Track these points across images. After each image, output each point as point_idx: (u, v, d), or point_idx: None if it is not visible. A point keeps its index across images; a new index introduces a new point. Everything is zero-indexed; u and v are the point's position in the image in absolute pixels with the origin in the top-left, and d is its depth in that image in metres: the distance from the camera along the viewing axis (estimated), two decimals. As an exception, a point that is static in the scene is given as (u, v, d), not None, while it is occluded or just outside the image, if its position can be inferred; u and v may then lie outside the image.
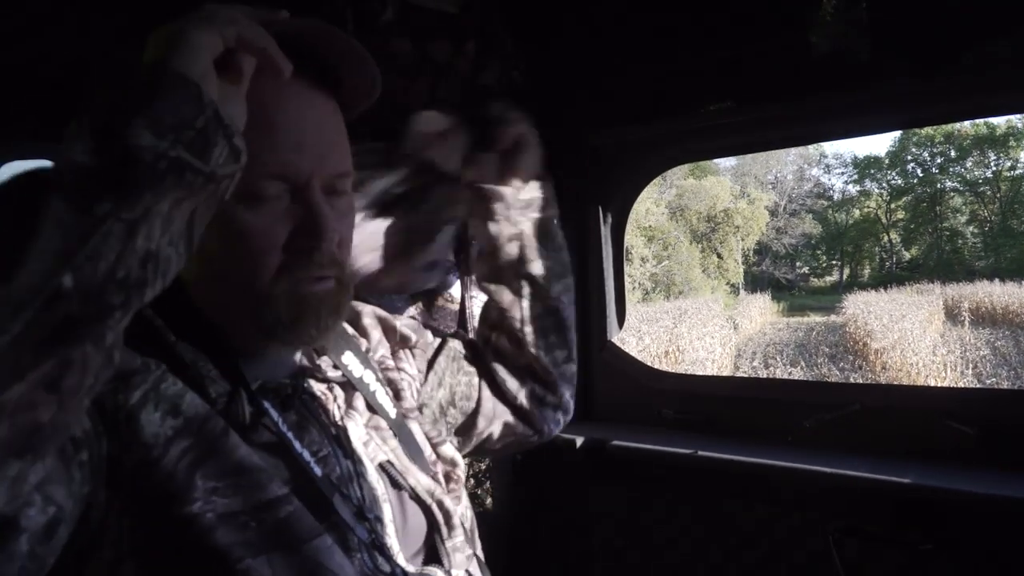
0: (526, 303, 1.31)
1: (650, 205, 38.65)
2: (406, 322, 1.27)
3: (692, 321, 20.53)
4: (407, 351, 1.25)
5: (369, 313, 1.24)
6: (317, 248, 0.92)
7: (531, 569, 2.23)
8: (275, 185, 0.90)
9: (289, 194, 0.91)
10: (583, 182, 2.24)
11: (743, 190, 50.85)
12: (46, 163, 1.84)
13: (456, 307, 2.17)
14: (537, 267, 1.31)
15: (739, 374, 16.29)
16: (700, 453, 1.84)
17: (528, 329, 1.31)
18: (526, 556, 2.22)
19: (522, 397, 1.32)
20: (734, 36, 1.90)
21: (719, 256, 45.00)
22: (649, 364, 2.34)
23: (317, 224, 0.91)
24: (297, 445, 0.93)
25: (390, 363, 1.20)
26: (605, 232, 2.25)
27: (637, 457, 1.95)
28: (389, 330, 1.23)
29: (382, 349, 1.21)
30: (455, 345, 1.34)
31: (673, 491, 1.97)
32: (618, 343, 2.29)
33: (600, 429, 2.13)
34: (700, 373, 14.19)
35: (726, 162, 56.17)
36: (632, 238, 35.14)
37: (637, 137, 2.14)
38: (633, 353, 2.31)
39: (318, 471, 0.93)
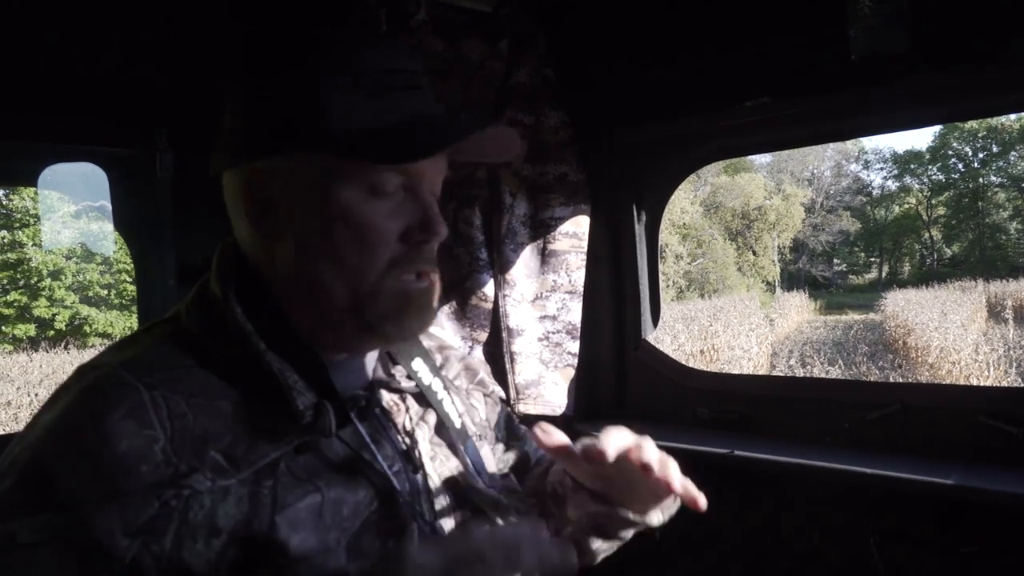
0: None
1: (685, 204, 38.39)
2: (486, 372, 1.29)
3: (727, 319, 20.35)
4: (480, 394, 1.25)
5: (456, 349, 1.27)
6: (427, 243, 0.95)
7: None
8: (394, 180, 0.93)
9: (403, 190, 0.94)
10: (617, 180, 2.22)
11: (779, 187, 50.29)
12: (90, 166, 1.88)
13: (489, 306, 2.17)
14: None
15: (775, 373, 16.11)
16: (736, 453, 1.82)
17: None
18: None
19: None
20: (769, 30, 1.87)
21: (754, 253, 44.56)
22: (684, 363, 2.32)
23: (431, 219, 0.95)
24: (380, 459, 0.93)
25: (463, 393, 1.21)
26: (639, 230, 2.24)
27: (672, 456, 1.93)
28: (471, 369, 1.26)
29: (461, 380, 1.23)
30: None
31: (709, 491, 1.94)
32: (653, 342, 2.27)
33: (634, 428, 2.10)
34: (736, 372, 14.05)
35: (762, 158, 55.54)
36: (666, 236, 34.96)
37: (671, 134, 2.12)
38: (668, 352, 2.29)
39: (398, 485, 0.93)
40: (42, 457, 0.81)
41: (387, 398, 1.04)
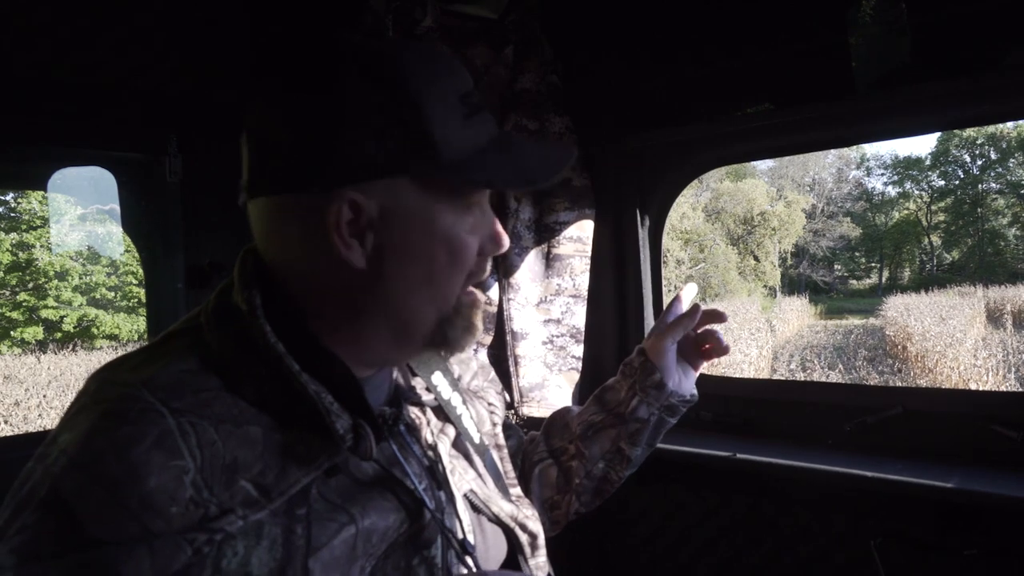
0: (593, 471, 1.36)
1: (686, 209, 38.40)
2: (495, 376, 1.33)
3: (728, 323, 20.30)
4: (494, 391, 1.28)
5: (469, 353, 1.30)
6: (494, 255, 0.97)
7: (570, 570, 2.23)
8: (481, 195, 0.94)
9: (478, 206, 0.95)
10: (621, 185, 2.24)
11: (780, 192, 50.29)
12: (99, 169, 1.90)
13: (494, 310, 2.19)
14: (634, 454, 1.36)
15: (776, 377, 16.10)
16: (738, 456, 1.84)
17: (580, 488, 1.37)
18: (565, 557, 2.22)
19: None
20: (771, 38, 1.89)
21: (755, 259, 44.54)
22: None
23: (500, 232, 0.96)
24: (411, 476, 0.92)
25: (482, 393, 1.24)
26: (643, 235, 2.25)
27: (675, 459, 1.94)
28: (485, 367, 1.30)
29: (478, 380, 1.25)
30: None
31: (712, 494, 1.96)
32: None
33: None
34: (737, 376, 14.05)
35: (763, 164, 55.54)
36: (668, 241, 34.96)
37: (675, 140, 2.14)
38: (670, 356, 2.29)
39: (431, 503, 0.92)
40: (64, 489, 0.75)
41: (411, 412, 1.02)
